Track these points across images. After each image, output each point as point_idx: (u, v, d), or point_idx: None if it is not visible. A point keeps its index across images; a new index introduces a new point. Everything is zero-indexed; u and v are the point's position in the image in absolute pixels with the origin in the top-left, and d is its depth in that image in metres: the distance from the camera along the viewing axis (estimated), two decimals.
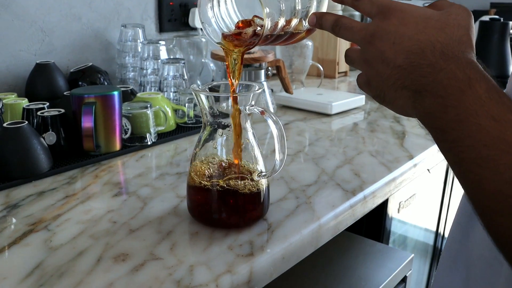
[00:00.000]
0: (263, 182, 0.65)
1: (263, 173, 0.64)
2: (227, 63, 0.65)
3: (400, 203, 1.09)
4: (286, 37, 0.61)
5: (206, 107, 0.63)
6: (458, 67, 0.43)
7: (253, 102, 0.62)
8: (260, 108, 0.61)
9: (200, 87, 0.65)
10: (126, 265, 0.56)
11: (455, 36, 0.45)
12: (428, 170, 1.11)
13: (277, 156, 0.61)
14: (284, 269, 0.62)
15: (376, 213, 1.05)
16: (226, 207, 0.64)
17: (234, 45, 0.63)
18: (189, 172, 0.66)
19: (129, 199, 0.75)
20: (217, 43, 0.64)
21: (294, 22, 0.60)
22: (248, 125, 0.64)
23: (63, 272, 0.55)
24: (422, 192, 1.17)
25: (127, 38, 1.31)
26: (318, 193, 0.77)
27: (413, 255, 0.95)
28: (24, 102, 1.03)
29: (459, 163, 0.42)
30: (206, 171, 0.63)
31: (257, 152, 0.65)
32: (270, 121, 0.60)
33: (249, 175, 0.63)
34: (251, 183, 0.63)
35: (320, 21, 0.55)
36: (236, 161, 0.64)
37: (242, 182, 0.62)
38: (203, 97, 0.62)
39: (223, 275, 0.54)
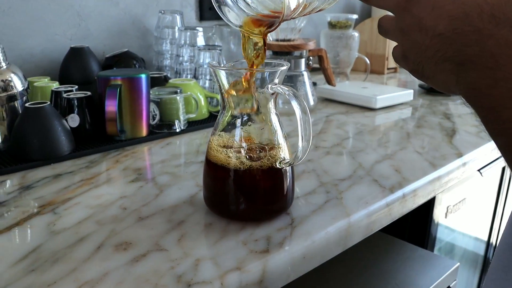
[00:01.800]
0: (287, 172, 0.58)
1: (285, 161, 0.57)
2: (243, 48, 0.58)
3: (448, 207, 0.99)
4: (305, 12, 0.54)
5: (226, 86, 0.57)
6: (511, 32, 0.35)
7: (276, 81, 0.56)
8: (284, 87, 0.54)
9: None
10: (127, 254, 0.51)
11: None
12: (480, 172, 1.00)
13: (300, 142, 0.54)
14: (304, 270, 0.55)
15: (421, 217, 0.96)
16: (243, 197, 0.57)
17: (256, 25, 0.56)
18: (205, 158, 0.60)
19: (145, 186, 0.70)
20: (238, 26, 0.57)
21: None
22: (271, 105, 0.57)
23: (58, 258, 0.50)
24: (473, 197, 1.07)
25: (164, 24, 1.27)
26: (351, 189, 0.69)
27: (458, 263, 0.85)
28: (55, 85, 1.01)
29: None
30: (223, 156, 0.57)
31: (280, 138, 0.58)
32: (293, 102, 0.53)
33: (270, 162, 0.56)
34: (272, 171, 0.56)
35: None
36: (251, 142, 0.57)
37: (262, 169, 0.56)
38: (222, 74, 0.56)
39: (231, 272, 0.48)
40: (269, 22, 0.54)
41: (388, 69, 1.74)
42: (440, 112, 1.17)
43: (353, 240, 0.61)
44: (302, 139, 0.53)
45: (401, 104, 1.25)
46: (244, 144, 0.57)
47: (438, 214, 0.96)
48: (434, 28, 0.39)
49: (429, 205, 0.94)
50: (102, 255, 0.51)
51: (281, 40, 1.15)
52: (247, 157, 0.56)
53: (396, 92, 1.23)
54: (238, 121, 0.57)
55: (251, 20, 0.56)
